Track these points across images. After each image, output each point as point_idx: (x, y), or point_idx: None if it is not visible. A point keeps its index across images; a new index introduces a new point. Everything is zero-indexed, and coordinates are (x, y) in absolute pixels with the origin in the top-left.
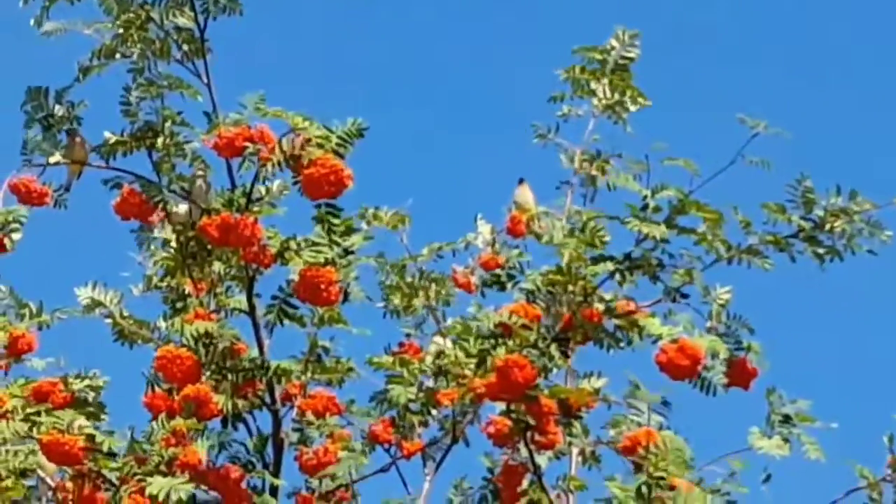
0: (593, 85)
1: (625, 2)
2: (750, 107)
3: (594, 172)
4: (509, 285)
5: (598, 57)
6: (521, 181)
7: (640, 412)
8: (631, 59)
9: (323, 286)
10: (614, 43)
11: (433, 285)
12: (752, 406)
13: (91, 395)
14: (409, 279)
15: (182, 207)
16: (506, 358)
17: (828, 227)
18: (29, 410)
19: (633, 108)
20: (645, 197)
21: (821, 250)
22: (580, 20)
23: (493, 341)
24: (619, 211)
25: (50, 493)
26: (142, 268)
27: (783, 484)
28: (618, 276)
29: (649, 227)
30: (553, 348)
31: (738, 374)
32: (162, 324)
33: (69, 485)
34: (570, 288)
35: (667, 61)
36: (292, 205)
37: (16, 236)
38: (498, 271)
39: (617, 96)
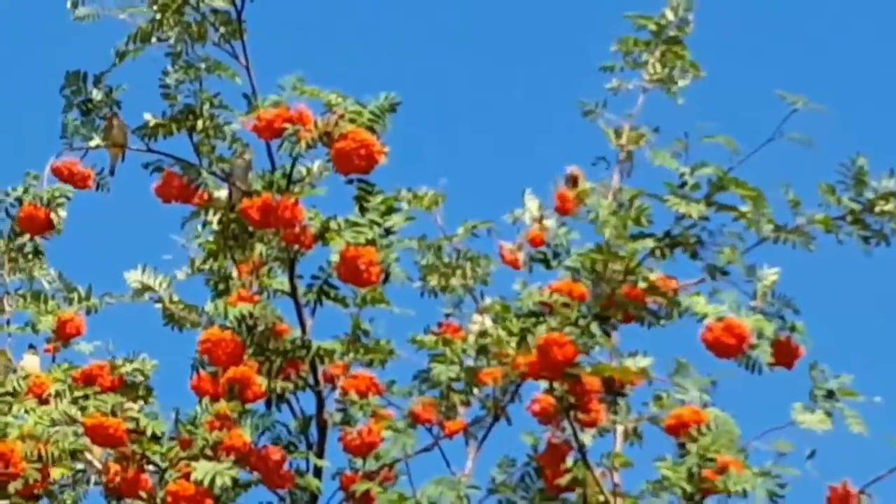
0: (645, 56)
1: None
2: (801, 83)
3: (630, 146)
4: (554, 263)
5: (653, 27)
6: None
7: (685, 390)
8: (685, 32)
9: (363, 266)
10: (668, 14)
11: (469, 264)
12: (796, 382)
13: (139, 379)
14: (445, 259)
15: (222, 192)
16: (546, 336)
17: (877, 209)
18: (76, 394)
19: (682, 83)
20: (683, 174)
21: (867, 234)
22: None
23: (534, 320)
24: (660, 186)
25: (97, 476)
26: (185, 251)
27: (827, 460)
28: (657, 253)
29: (688, 207)
30: (594, 326)
31: (783, 354)
32: (210, 307)
33: (114, 466)
34: (612, 266)
35: (720, 33)
36: (334, 186)
37: (62, 213)
38: (543, 249)
39: (668, 70)
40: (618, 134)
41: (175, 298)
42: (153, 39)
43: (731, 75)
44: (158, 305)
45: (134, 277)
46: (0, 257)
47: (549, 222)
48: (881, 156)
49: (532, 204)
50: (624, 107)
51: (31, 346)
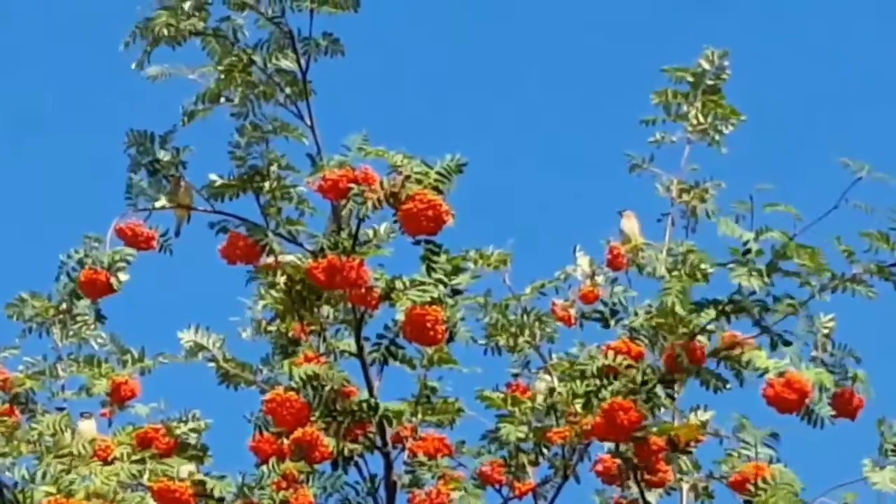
0: (685, 108)
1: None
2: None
3: (693, 203)
4: (612, 322)
5: (690, 79)
6: (622, 212)
7: (750, 446)
8: (723, 80)
9: (429, 325)
10: (704, 64)
11: (537, 323)
12: (864, 433)
13: (193, 438)
14: (511, 317)
15: (290, 256)
16: (611, 402)
17: None
18: (135, 457)
19: (727, 131)
20: (747, 242)
21: None
22: (676, 48)
23: (598, 381)
24: (721, 243)
25: None
26: (248, 311)
27: None
28: (722, 319)
29: (750, 279)
30: (659, 389)
31: (844, 406)
32: (263, 367)
33: None
34: (675, 328)
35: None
36: (401, 246)
37: (122, 276)
38: (601, 307)
39: (710, 119)
40: (668, 189)
41: (228, 357)
42: (221, 100)
43: (771, 112)
44: (212, 364)
45: (187, 337)
46: (51, 320)
47: (601, 278)
48: None
49: (583, 260)
50: (671, 158)
51: (83, 413)
